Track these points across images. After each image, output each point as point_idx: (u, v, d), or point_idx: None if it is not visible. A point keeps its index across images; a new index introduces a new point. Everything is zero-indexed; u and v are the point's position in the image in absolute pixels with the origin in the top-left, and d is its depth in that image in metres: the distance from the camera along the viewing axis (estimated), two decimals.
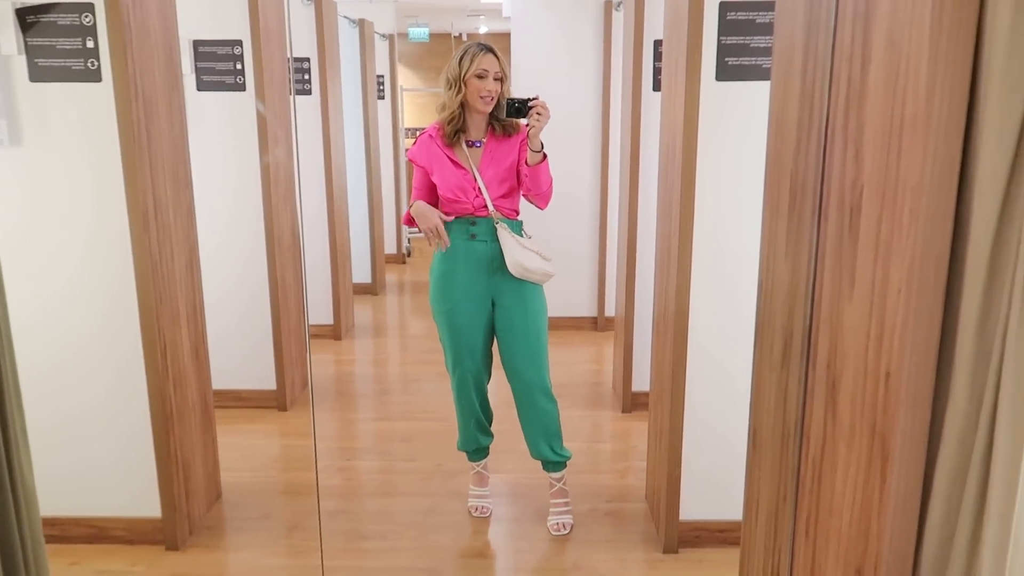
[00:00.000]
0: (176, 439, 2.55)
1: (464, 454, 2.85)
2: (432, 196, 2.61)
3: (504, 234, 2.48)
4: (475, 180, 2.50)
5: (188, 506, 2.63)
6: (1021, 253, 0.84)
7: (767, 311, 1.44)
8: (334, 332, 4.93)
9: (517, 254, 2.47)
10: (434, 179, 2.54)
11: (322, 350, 4.75)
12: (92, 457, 2.53)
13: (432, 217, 2.46)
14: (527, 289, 2.54)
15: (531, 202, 2.54)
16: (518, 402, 2.62)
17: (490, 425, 2.78)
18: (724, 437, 2.51)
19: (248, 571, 2.47)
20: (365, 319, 5.61)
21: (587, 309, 5.09)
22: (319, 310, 4.89)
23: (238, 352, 3.73)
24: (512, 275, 2.49)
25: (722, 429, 2.50)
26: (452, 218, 2.51)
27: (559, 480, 2.72)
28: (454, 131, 2.53)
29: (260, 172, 3.57)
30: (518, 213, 2.57)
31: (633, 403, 3.74)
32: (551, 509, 2.73)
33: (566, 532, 2.66)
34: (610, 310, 5.02)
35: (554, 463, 2.69)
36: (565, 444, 2.69)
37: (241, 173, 3.58)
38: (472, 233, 2.50)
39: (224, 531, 2.70)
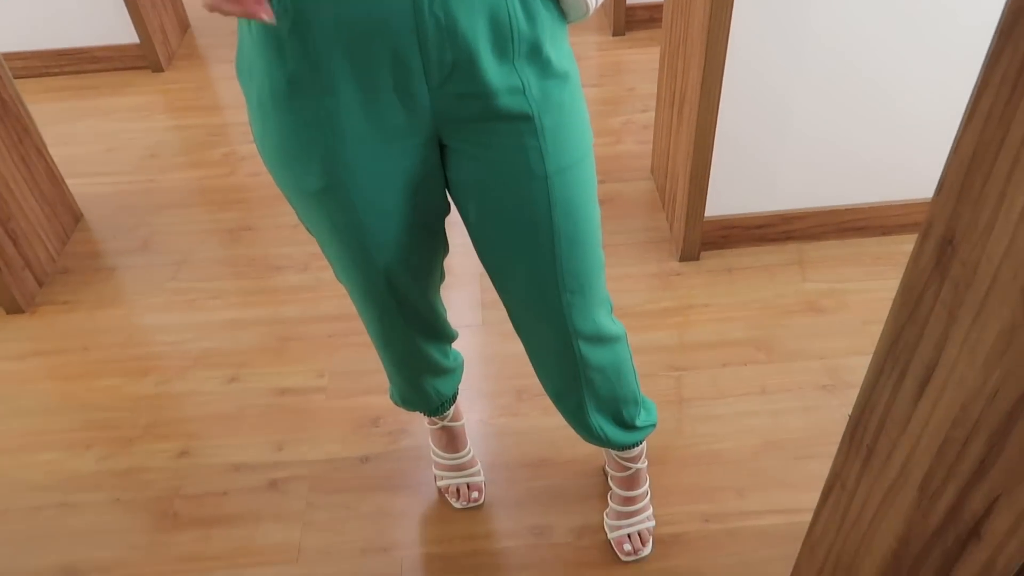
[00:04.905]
0: None
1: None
2: None
3: None
4: None
5: (23, 255, 1.90)
6: None
7: None
8: None
9: None
10: None
11: None
12: None
13: None
14: (547, 95, 0.91)
15: None
16: (538, 360, 1.20)
17: (451, 343, 1.33)
18: (777, 93, 1.68)
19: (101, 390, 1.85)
20: None
21: None
22: None
23: None
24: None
25: (777, 80, 1.66)
26: None
27: (635, 460, 1.37)
28: None
29: None
30: None
31: (628, 21, 2.77)
32: (613, 510, 1.40)
33: (645, 552, 1.37)
34: None
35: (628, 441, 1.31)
36: None
37: None
38: None
39: (81, 271, 2.00)
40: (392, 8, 0.79)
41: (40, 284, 1.95)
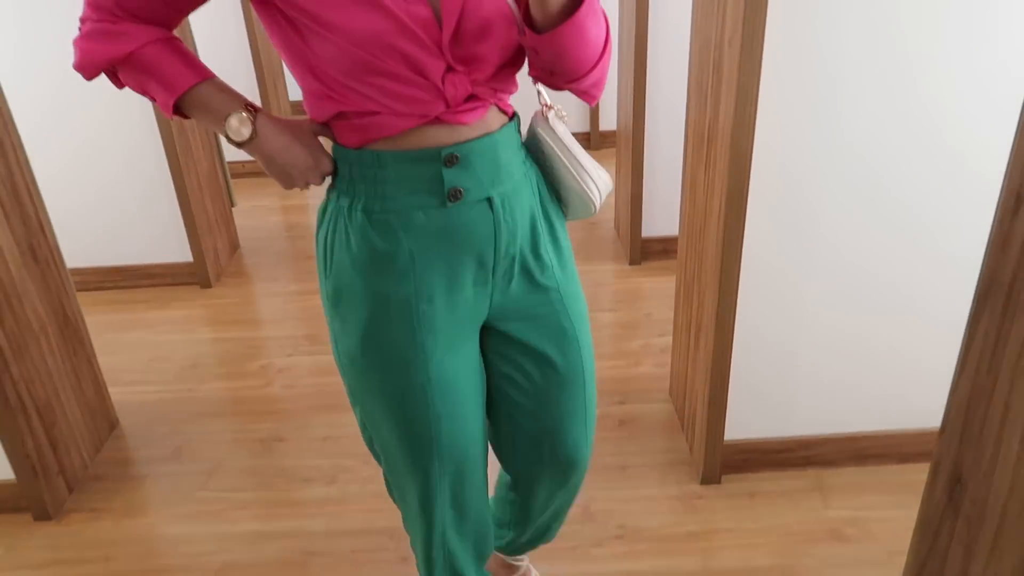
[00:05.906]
0: (20, 384, 1.81)
1: None
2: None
3: (561, 136, 1.11)
4: (437, 23, 0.91)
5: (59, 461, 1.95)
6: None
7: None
8: None
9: (592, 172, 1.13)
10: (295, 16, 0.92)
11: (259, 193, 3.90)
12: None
13: (313, 160, 1.05)
14: (564, 284, 1.15)
15: (553, 86, 1.05)
16: (528, 486, 1.35)
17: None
18: (789, 326, 1.79)
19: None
20: None
21: (576, 122, 4.18)
22: None
23: (140, 219, 2.91)
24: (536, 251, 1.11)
25: (788, 313, 1.77)
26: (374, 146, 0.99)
27: (521, 561, 1.61)
28: None
29: None
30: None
31: (644, 252, 2.99)
32: None
33: None
34: (608, 122, 4.13)
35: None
36: None
37: None
38: (455, 188, 0.99)
39: (112, 478, 2.04)
40: (479, 222, 1.03)
41: (71, 490, 1.99)
